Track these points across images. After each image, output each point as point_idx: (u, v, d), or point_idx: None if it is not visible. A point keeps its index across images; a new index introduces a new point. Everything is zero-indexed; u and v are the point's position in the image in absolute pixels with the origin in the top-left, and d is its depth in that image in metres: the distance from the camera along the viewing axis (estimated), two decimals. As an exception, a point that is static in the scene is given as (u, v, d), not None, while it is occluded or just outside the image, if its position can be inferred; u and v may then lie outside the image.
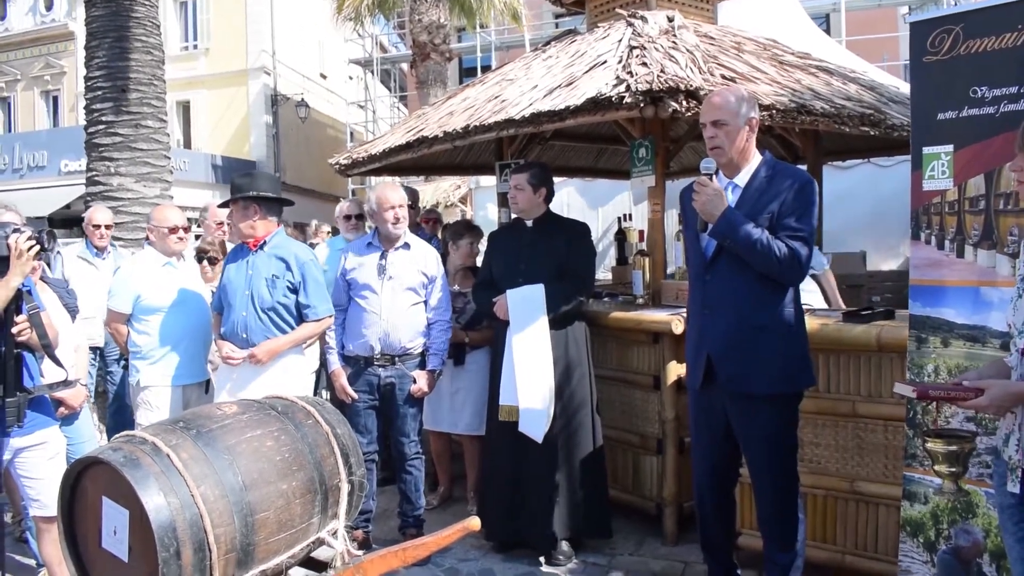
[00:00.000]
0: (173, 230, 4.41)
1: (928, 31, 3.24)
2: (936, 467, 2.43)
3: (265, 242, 4.15)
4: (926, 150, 3.20)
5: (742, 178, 3.28)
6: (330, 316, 4.23)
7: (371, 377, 4.36)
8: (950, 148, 3.12)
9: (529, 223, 4.43)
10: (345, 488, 2.95)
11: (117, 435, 2.83)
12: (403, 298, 4.35)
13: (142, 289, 4.30)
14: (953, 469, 2.41)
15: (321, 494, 2.84)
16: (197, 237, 6.07)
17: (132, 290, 4.31)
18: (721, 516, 3.53)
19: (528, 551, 4.33)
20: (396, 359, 4.35)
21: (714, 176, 3.24)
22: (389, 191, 4.37)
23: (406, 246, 4.42)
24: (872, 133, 4.90)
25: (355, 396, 4.35)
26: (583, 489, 4.26)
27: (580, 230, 4.45)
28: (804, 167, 6.19)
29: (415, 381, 4.38)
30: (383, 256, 4.37)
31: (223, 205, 4.35)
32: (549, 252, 4.29)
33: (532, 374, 4.11)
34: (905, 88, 6.08)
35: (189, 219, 4.91)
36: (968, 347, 3.00)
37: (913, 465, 3.14)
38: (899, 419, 3.19)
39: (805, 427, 3.45)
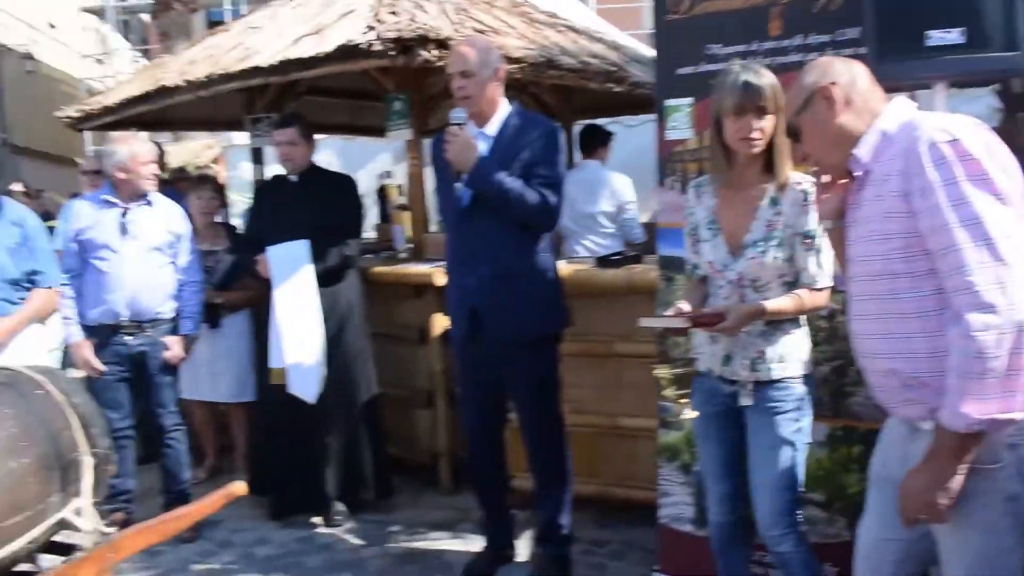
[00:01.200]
0: None
1: None
2: (664, 391, 2.63)
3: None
4: (668, 103, 3.36)
5: (492, 127, 3.31)
6: (61, 284, 3.92)
7: (119, 347, 4.03)
8: (690, 100, 3.28)
9: (294, 177, 4.28)
10: (88, 461, 2.71)
11: None
12: (149, 258, 4.04)
13: None
14: (681, 392, 2.64)
15: (58, 470, 2.60)
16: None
17: None
18: (493, 462, 3.61)
19: (304, 516, 4.26)
20: (145, 325, 4.05)
21: (463, 126, 3.26)
22: (144, 145, 4.09)
23: (148, 202, 4.11)
24: (617, 89, 5.16)
25: (103, 368, 4.01)
26: (360, 448, 4.25)
27: (346, 184, 4.38)
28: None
29: (168, 348, 4.11)
30: (124, 214, 4.03)
31: None
32: (314, 206, 4.16)
33: (299, 334, 4.01)
34: (646, 51, 6.44)
35: None
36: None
37: (667, 395, 3.36)
38: (652, 356, 3.40)
39: (567, 369, 3.57)
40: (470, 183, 3.22)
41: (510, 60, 4.33)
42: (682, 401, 2.70)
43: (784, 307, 2.50)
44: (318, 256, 4.08)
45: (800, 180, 2.50)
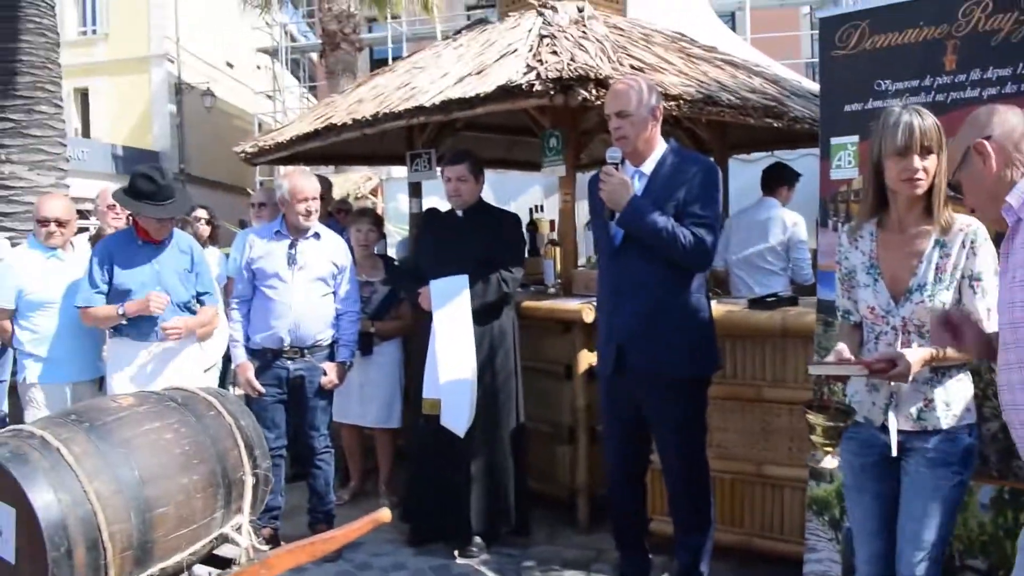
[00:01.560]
0: (42, 222, 4.17)
1: (836, 26, 3.35)
2: (813, 437, 2.59)
3: (171, 235, 4.13)
4: (834, 140, 3.30)
5: (648, 166, 3.32)
6: (231, 308, 4.24)
7: (279, 370, 4.24)
8: (856, 139, 3.22)
9: (460, 212, 4.36)
10: (249, 481, 2.86)
11: (3, 430, 2.68)
12: (313, 288, 4.25)
13: (25, 283, 4.09)
14: (829, 443, 2.57)
15: (224, 488, 2.75)
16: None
17: (13, 284, 4.09)
18: (632, 502, 3.56)
19: (442, 545, 4.31)
20: (305, 351, 4.24)
21: (620, 165, 3.27)
22: (303, 180, 4.22)
23: (316, 236, 4.31)
24: (776, 125, 5.04)
25: (262, 390, 4.22)
26: (503, 481, 4.25)
27: (510, 220, 4.42)
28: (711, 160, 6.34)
29: (325, 373, 4.28)
30: (292, 245, 4.25)
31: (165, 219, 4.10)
32: (478, 242, 4.21)
33: (454, 367, 4.05)
34: (807, 84, 6.26)
35: (86, 211, 4.69)
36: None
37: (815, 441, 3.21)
38: (803, 402, 3.27)
39: (713, 412, 3.52)
40: (622, 222, 3.24)
41: (668, 97, 4.30)
42: (827, 449, 2.60)
43: (954, 352, 2.37)
44: (478, 291, 4.12)
45: (969, 222, 2.43)
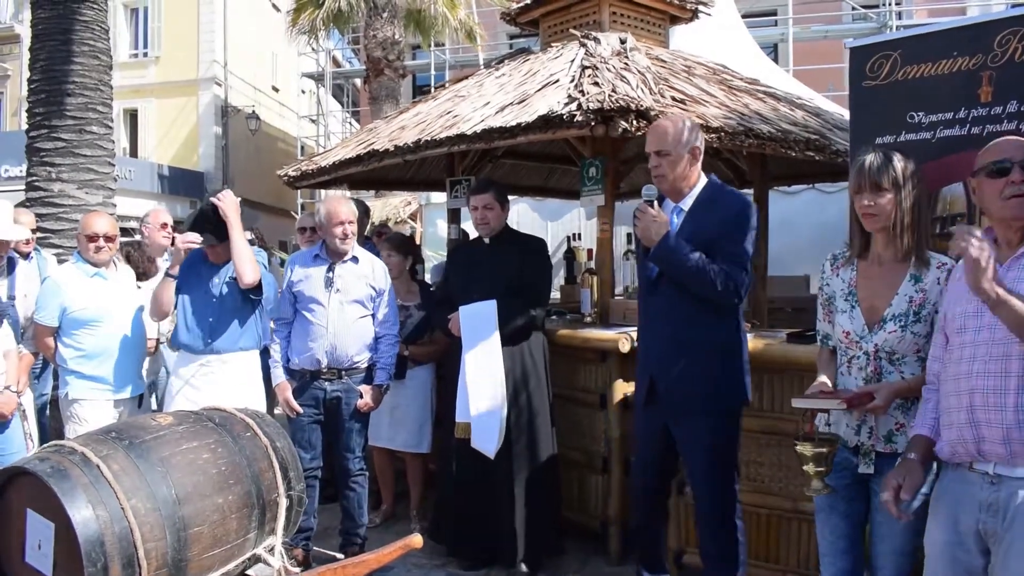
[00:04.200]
0: (91, 238, 4.24)
1: (867, 56, 3.32)
2: (804, 467, 2.70)
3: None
4: None
5: (687, 203, 3.36)
6: (271, 330, 4.29)
7: (317, 391, 4.28)
8: None
9: (487, 240, 4.43)
10: (284, 503, 2.88)
11: (45, 445, 2.73)
12: (350, 311, 4.29)
13: (69, 301, 4.16)
14: (820, 469, 2.68)
15: (258, 509, 2.77)
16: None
17: (58, 302, 4.16)
18: (653, 528, 3.57)
19: (469, 564, 4.32)
20: (343, 373, 4.29)
21: (655, 202, 3.31)
22: (339, 205, 4.29)
23: (354, 259, 4.36)
24: (817, 158, 5.00)
25: (300, 410, 4.27)
26: (535, 505, 4.24)
27: (536, 246, 4.48)
28: (751, 191, 6.29)
29: (362, 396, 4.32)
30: (331, 269, 4.30)
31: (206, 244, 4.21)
32: (505, 267, 4.28)
33: (483, 391, 4.10)
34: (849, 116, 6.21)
35: (130, 229, 4.78)
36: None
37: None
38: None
39: (748, 446, 3.48)
40: (654, 259, 3.29)
41: (709, 130, 4.30)
42: (819, 473, 2.72)
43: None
44: (506, 316, 4.17)
45: (945, 260, 2.61)
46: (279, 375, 4.33)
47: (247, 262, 3.99)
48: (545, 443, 4.30)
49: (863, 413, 2.63)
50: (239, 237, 4.01)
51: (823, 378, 2.76)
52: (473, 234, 4.72)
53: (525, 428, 4.24)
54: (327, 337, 4.23)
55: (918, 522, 2.56)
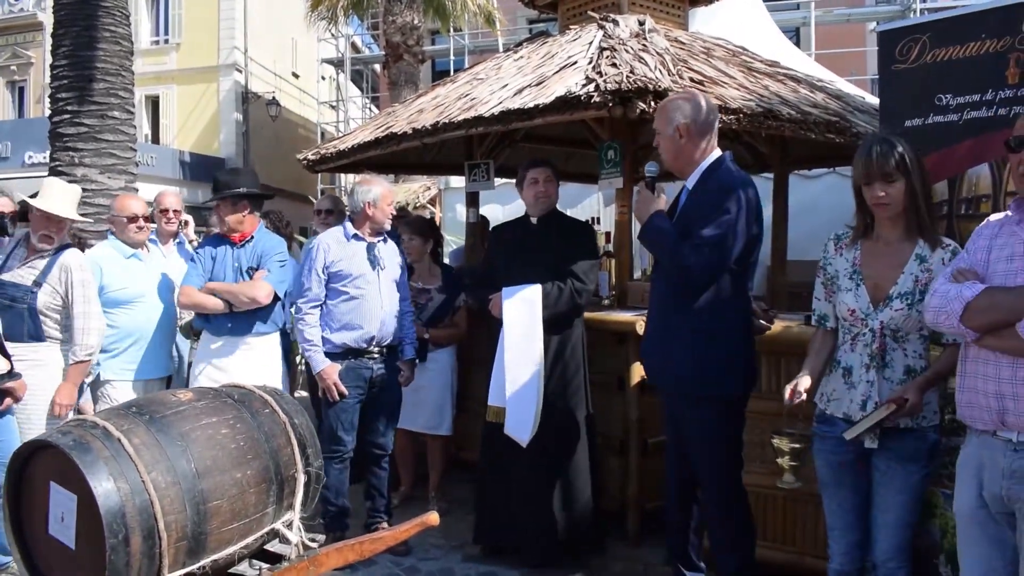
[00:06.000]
0: (132, 219, 4.34)
1: (896, 40, 3.30)
2: (779, 460, 2.83)
3: (252, 237, 4.31)
4: None
5: (691, 181, 3.31)
6: (305, 313, 4.26)
7: (364, 371, 4.26)
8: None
9: (534, 220, 4.32)
10: (301, 479, 2.91)
11: (68, 419, 2.77)
12: (392, 289, 4.39)
13: (106, 281, 4.22)
14: (795, 463, 2.83)
15: (276, 484, 2.80)
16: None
17: (97, 283, 4.19)
18: (680, 514, 3.53)
19: (489, 550, 4.33)
20: (386, 350, 4.33)
21: (654, 180, 3.31)
22: (390, 185, 4.43)
23: (384, 240, 4.43)
24: (838, 140, 4.96)
25: (347, 393, 4.20)
26: (572, 495, 4.16)
27: (585, 230, 4.40)
28: (771, 175, 6.26)
29: (402, 372, 4.45)
30: (371, 248, 4.32)
31: (211, 200, 4.39)
32: (551, 249, 4.16)
33: (521, 376, 3.98)
34: (871, 99, 6.16)
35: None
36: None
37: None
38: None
39: (766, 429, 3.45)
40: (640, 238, 3.30)
41: (727, 111, 4.27)
42: (792, 466, 2.93)
43: (946, 371, 2.68)
44: (550, 300, 4.03)
45: (949, 242, 2.70)
46: (321, 360, 4.18)
47: (248, 302, 4.20)
48: (579, 435, 4.19)
49: (864, 382, 2.74)
50: (229, 295, 4.19)
51: (806, 378, 2.86)
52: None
53: (561, 419, 4.11)
54: (379, 314, 4.26)
55: (919, 495, 2.74)
